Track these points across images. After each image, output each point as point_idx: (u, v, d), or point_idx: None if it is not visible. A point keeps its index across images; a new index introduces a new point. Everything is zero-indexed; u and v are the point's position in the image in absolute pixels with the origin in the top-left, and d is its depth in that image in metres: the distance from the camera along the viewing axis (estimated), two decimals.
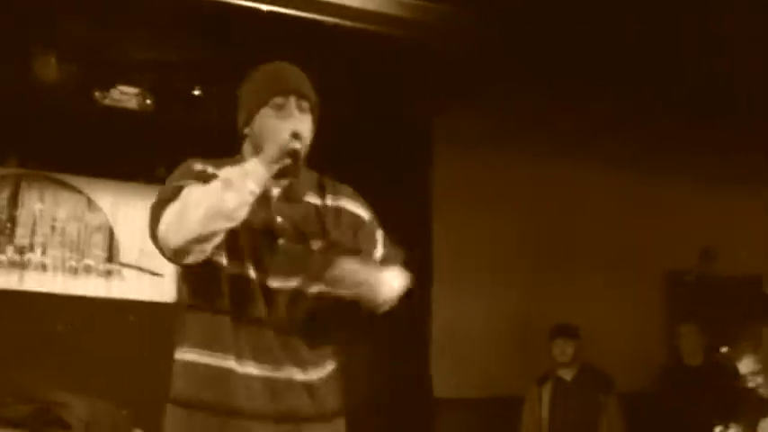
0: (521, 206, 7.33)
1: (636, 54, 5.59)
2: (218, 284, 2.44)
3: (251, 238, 2.45)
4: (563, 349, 6.36)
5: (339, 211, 2.62)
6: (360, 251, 2.56)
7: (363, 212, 2.68)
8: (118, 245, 6.62)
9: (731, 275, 7.70)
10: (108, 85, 6.05)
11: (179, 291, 2.57)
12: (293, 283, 2.49)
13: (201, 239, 2.28)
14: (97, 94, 6.04)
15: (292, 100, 2.52)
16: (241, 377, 2.43)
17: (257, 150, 2.45)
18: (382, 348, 6.35)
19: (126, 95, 6.06)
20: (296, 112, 2.50)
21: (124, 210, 6.61)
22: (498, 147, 7.08)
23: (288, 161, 2.39)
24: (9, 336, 6.04)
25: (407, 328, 6.63)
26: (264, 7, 4.67)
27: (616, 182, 7.64)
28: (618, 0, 5.11)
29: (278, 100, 2.51)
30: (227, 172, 2.34)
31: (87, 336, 6.25)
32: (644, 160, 7.34)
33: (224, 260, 2.43)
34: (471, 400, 6.90)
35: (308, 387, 2.51)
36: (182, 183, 2.41)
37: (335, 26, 4.87)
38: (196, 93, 6.08)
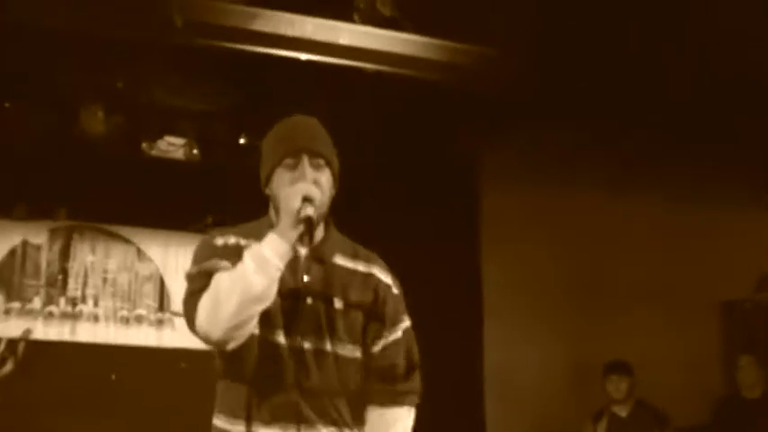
0: (569, 241, 7.27)
1: (676, 85, 5.57)
2: (249, 353, 2.44)
3: (279, 301, 2.43)
4: (617, 386, 6.28)
5: (369, 276, 2.61)
6: (383, 316, 2.58)
7: (393, 283, 2.66)
8: (168, 294, 6.67)
9: None
10: (155, 137, 6.14)
11: (216, 362, 2.57)
12: (321, 343, 2.48)
13: (240, 326, 2.31)
14: (144, 145, 6.13)
15: (305, 158, 2.47)
16: None
17: (278, 212, 2.45)
18: (435, 388, 6.31)
19: (173, 146, 6.14)
20: (309, 171, 2.46)
21: (174, 259, 6.68)
22: (544, 182, 7.06)
23: (302, 228, 2.35)
24: (63, 386, 6.10)
25: (460, 367, 6.60)
26: (303, 56, 4.71)
27: (665, 212, 7.56)
28: (651, 35, 5.11)
29: (288, 161, 2.48)
30: (251, 254, 2.32)
31: (140, 385, 6.29)
32: (693, 188, 7.27)
33: (256, 330, 2.42)
34: None
35: None
36: (208, 266, 2.41)
37: (376, 72, 4.90)
38: (241, 141, 6.15)
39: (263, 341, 2.43)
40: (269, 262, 2.29)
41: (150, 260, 6.68)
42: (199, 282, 2.40)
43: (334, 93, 5.42)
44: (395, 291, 2.65)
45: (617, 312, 7.25)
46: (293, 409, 2.44)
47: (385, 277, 2.64)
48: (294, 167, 2.46)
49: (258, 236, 2.40)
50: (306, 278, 2.49)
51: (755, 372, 6.58)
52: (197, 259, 2.48)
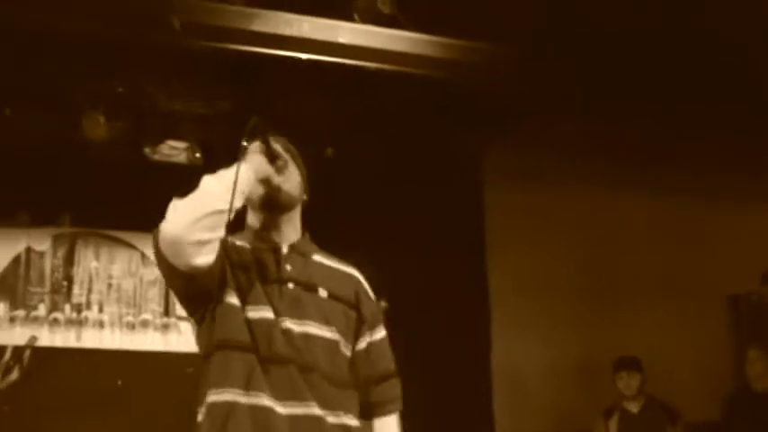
0: (575, 238, 7.26)
1: (681, 79, 5.55)
2: (237, 323, 2.52)
3: (265, 285, 2.57)
4: (627, 382, 6.27)
5: (350, 276, 2.75)
6: (364, 317, 2.69)
7: (369, 290, 2.77)
8: (173, 298, 6.65)
9: None
10: (157, 141, 6.12)
11: (200, 341, 2.64)
12: (307, 326, 2.56)
13: (198, 224, 2.35)
14: (146, 149, 6.11)
15: (273, 140, 2.68)
16: (279, 415, 2.47)
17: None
18: (443, 388, 6.30)
19: (175, 150, 6.13)
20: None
21: None
22: (548, 179, 7.05)
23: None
24: (69, 393, 6.09)
25: (468, 367, 6.58)
26: (303, 56, 4.69)
27: (670, 207, 7.55)
28: (653, 30, 5.09)
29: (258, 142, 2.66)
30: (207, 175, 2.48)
31: (146, 390, 6.28)
32: (698, 183, 7.26)
33: (236, 301, 2.53)
34: None
35: (346, 429, 2.57)
36: None
37: (376, 71, 4.88)
38: (244, 143, 6.11)
39: (253, 316, 2.52)
40: (226, 174, 2.45)
41: (154, 264, 6.65)
42: None
43: (335, 92, 5.40)
44: (372, 297, 2.76)
45: (624, 309, 7.24)
46: (293, 385, 2.49)
47: (363, 281, 2.77)
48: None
49: None
50: (288, 267, 2.62)
51: (764, 365, 6.55)
52: None
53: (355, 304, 2.68)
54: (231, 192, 2.39)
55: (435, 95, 5.58)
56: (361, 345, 2.68)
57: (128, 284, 6.62)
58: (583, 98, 5.77)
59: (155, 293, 6.65)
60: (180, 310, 6.60)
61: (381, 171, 6.26)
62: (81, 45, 5.03)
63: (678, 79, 5.57)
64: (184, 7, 4.50)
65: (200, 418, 2.57)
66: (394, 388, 2.75)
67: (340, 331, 2.62)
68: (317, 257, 2.72)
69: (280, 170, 2.61)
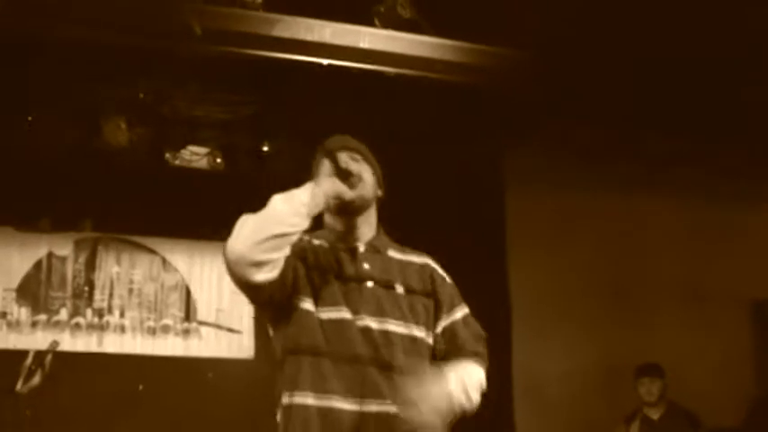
0: (596, 242, 7.22)
1: (702, 83, 5.53)
2: (310, 328, 2.55)
3: (343, 285, 2.60)
4: (649, 389, 6.23)
5: (424, 266, 2.77)
6: (442, 303, 2.72)
7: (445, 274, 2.81)
8: (195, 303, 6.68)
9: None
10: (178, 146, 6.15)
11: (275, 345, 2.65)
12: (387, 324, 2.59)
13: (262, 245, 2.40)
14: (168, 155, 6.14)
15: (343, 155, 2.66)
16: (351, 414, 2.50)
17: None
18: None
19: (196, 155, 6.15)
20: (344, 156, 2.65)
21: (199, 268, 6.68)
22: (569, 184, 7.02)
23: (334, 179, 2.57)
24: (90, 397, 6.11)
25: (489, 373, 6.55)
26: (324, 61, 4.70)
27: (691, 213, 7.50)
28: (675, 36, 5.07)
29: (325, 162, 2.66)
30: (278, 194, 2.50)
31: (167, 395, 6.29)
32: (720, 187, 7.22)
33: (311, 306, 2.56)
34: None
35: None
36: None
37: (397, 76, 4.88)
38: (264, 148, 6.14)
39: (328, 319, 2.56)
40: (295, 195, 2.48)
41: (175, 270, 6.68)
42: None
43: (356, 97, 5.40)
44: (449, 281, 2.80)
45: (647, 314, 7.19)
46: (370, 383, 2.52)
47: (437, 267, 2.79)
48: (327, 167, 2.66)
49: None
50: (366, 266, 2.66)
51: None
52: None
53: (431, 292, 2.71)
54: (299, 215, 2.46)
55: (456, 100, 5.58)
56: (438, 328, 2.70)
57: (149, 289, 6.65)
58: (603, 102, 5.75)
59: (176, 298, 6.67)
60: (201, 315, 6.65)
61: (401, 176, 6.24)
62: (102, 52, 5.05)
63: (701, 82, 5.55)
64: (205, 13, 4.52)
65: (278, 418, 2.62)
66: (484, 347, 2.77)
67: (423, 323, 2.65)
68: (392, 252, 2.75)
69: (353, 185, 2.62)
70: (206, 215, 6.34)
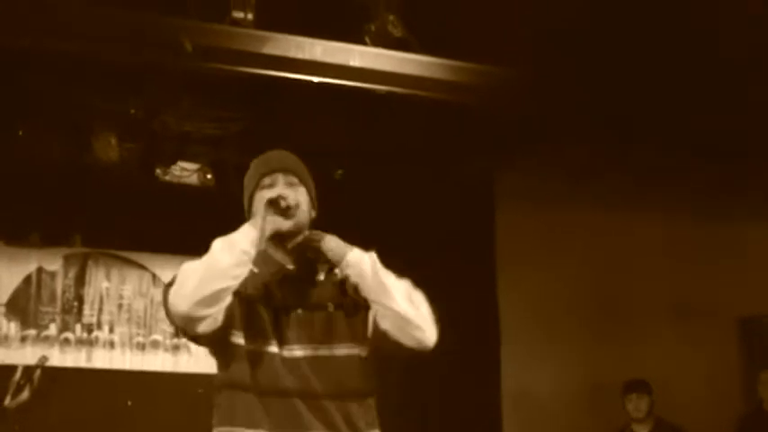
0: (585, 261, 7.24)
1: (689, 102, 5.56)
2: (240, 362, 2.54)
3: (271, 314, 2.58)
4: (637, 405, 6.24)
5: (335, 277, 2.70)
6: (364, 300, 2.63)
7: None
8: None
9: None
10: (168, 162, 6.15)
11: (215, 375, 2.65)
12: (319, 350, 2.58)
13: (204, 302, 2.39)
14: (158, 171, 6.14)
15: (279, 177, 2.66)
16: None
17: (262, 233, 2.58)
18: (453, 410, 6.29)
19: (186, 171, 6.17)
20: (281, 186, 2.64)
21: None
22: (558, 201, 7.04)
23: (272, 214, 2.54)
24: (79, 413, 6.10)
25: (477, 389, 6.57)
26: (315, 79, 4.72)
27: (680, 229, 7.53)
28: (663, 53, 5.11)
29: (266, 180, 2.67)
30: (221, 238, 2.49)
31: (157, 410, 6.29)
32: (707, 205, 7.25)
33: (241, 340, 2.55)
34: None
35: None
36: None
37: (387, 94, 4.90)
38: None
39: (256, 353, 2.54)
40: (236, 243, 2.45)
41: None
42: (177, 276, 2.53)
43: (346, 115, 5.43)
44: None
45: (635, 331, 7.21)
46: (294, 415, 2.51)
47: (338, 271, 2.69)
48: (271, 186, 2.65)
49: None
50: (293, 291, 2.63)
51: None
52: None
53: (350, 302, 2.64)
54: (241, 265, 2.44)
55: (446, 118, 5.60)
56: (373, 316, 2.62)
57: (138, 305, 6.64)
58: (593, 122, 5.78)
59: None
60: None
61: (392, 194, 6.27)
62: (93, 67, 5.07)
63: (689, 102, 5.58)
64: (196, 30, 4.53)
65: None
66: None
67: (353, 338, 2.62)
68: (320, 274, 2.70)
69: (291, 216, 2.59)
70: (196, 231, 6.29)
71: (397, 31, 4.73)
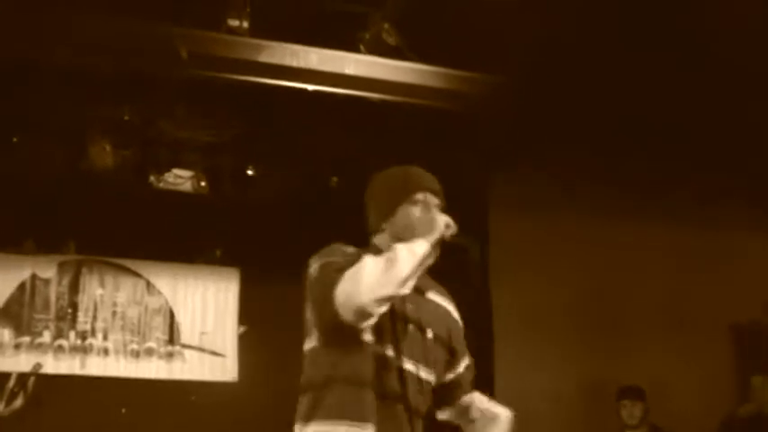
0: (579, 267, 7.24)
1: (684, 111, 5.58)
2: (364, 360, 2.60)
3: (390, 323, 2.64)
4: (630, 411, 6.24)
5: (447, 314, 2.86)
6: (455, 351, 2.84)
7: (458, 317, 2.91)
8: (178, 326, 6.67)
9: None
10: (163, 169, 6.16)
11: (313, 369, 2.68)
12: (420, 370, 2.68)
13: (383, 301, 2.47)
14: (152, 178, 6.14)
15: (431, 197, 2.77)
16: None
17: (396, 240, 2.64)
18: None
19: (181, 178, 6.17)
20: (436, 211, 2.74)
21: (183, 291, 6.68)
22: (552, 208, 7.04)
23: (437, 240, 2.61)
24: (73, 420, 6.09)
25: None
26: (310, 87, 4.73)
27: (673, 237, 7.53)
28: (657, 61, 5.13)
29: (419, 196, 2.75)
30: (401, 245, 2.55)
31: (150, 417, 6.28)
32: (700, 213, 7.25)
33: (369, 338, 2.60)
34: None
35: None
36: (340, 259, 2.60)
37: (382, 102, 4.92)
38: (249, 172, 6.15)
39: (379, 354, 2.61)
40: (418, 255, 2.52)
41: (159, 293, 6.68)
42: (336, 266, 2.55)
43: (340, 122, 5.44)
44: (460, 324, 2.91)
45: (628, 337, 7.21)
46: (396, 419, 2.60)
47: (454, 312, 2.90)
48: (422, 203, 2.75)
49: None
50: (410, 307, 2.70)
51: None
52: (327, 254, 2.66)
53: (448, 342, 2.80)
54: (415, 278, 2.52)
55: (440, 125, 5.61)
56: (447, 378, 2.82)
57: (132, 312, 6.64)
58: (586, 127, 5.80)
59: (159, 321, 6.66)
60: (185, 338, 6.64)
61: None
62: (89, 75, 5.07)
63: (680, 110, 5.60)
64: (192, 38, 4.54)
65: None
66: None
67: (437, 372, 2.75)
68: (431, 294, 2.82)
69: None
70: (190, 238, 6.36)
71: (391, 40, 4.75)
